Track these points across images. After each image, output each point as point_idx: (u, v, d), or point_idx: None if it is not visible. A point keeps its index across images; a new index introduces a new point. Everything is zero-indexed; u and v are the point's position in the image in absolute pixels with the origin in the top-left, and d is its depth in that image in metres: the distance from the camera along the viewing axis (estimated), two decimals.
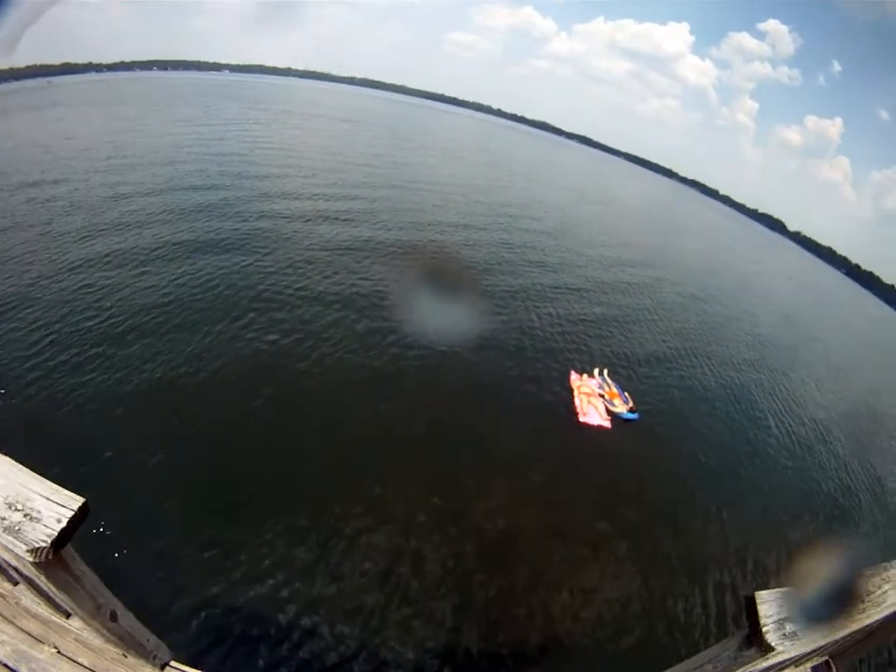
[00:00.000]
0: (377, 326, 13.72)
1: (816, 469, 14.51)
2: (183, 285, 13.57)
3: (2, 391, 9.14)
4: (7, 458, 1.74)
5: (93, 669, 2.80)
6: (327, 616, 6.95)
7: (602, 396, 13.46)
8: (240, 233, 17.74)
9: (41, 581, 1.92)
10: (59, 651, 2.77)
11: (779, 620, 1.87)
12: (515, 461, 10.48)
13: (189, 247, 15.75)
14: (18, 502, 1.64)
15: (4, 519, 1.61)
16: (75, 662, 2.70)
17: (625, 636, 7.78)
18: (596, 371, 14.66)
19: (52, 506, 1.66)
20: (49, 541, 1.59)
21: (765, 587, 1.93)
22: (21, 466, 1.72)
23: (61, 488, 1.72)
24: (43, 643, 2.77)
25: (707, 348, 20.17)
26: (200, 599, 6.75)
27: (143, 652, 2.84)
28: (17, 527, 1.59)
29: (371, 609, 7.19)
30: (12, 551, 1.68)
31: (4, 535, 1.59)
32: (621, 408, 13.17)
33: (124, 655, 2.85)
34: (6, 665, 2.67)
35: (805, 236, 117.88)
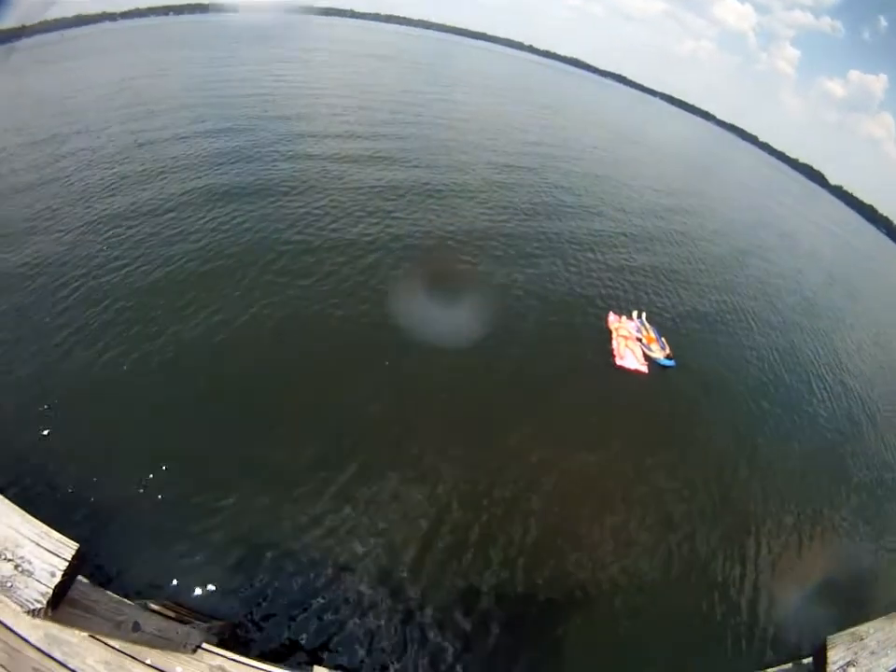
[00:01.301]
0: (411, 269, 13.23)
1: (854, 438, 13.76)
2: (213, 230, 13.16)
3: (34, 348, 9.02)
4: None
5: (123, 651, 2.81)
6: (363, 567, 6.86)
7: (640, 340, 13.06)
8: (268, 176, 17.10)
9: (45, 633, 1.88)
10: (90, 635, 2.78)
11: (844, 665, 1.93)
12: (548, 403, 10.27)
13: (216, 192, 15.19)
14: (7, 549, 1.49)
15: None
16: (106, 644, 2.66)
17: (652, 595, 7.58)
18: (635, 314, 14.21)
19: (43, 554, 1.51)
20: (45, 601, 1.44)
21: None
22: (8, 502, 1.58)
23: (51, 530, 1.57)
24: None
25: (748, 303, 19.34)
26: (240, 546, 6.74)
27: (171, 645, 2.85)
28: (8, 583, 1.44)
29: (404, 556, 7.07)
30: (9, 608, 1.53)
31: None
32: (658, 353, 12.78)
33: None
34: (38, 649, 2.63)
35: (846, 191, 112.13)
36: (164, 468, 7.31)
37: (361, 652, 6.18)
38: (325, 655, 6.09)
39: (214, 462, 7.58)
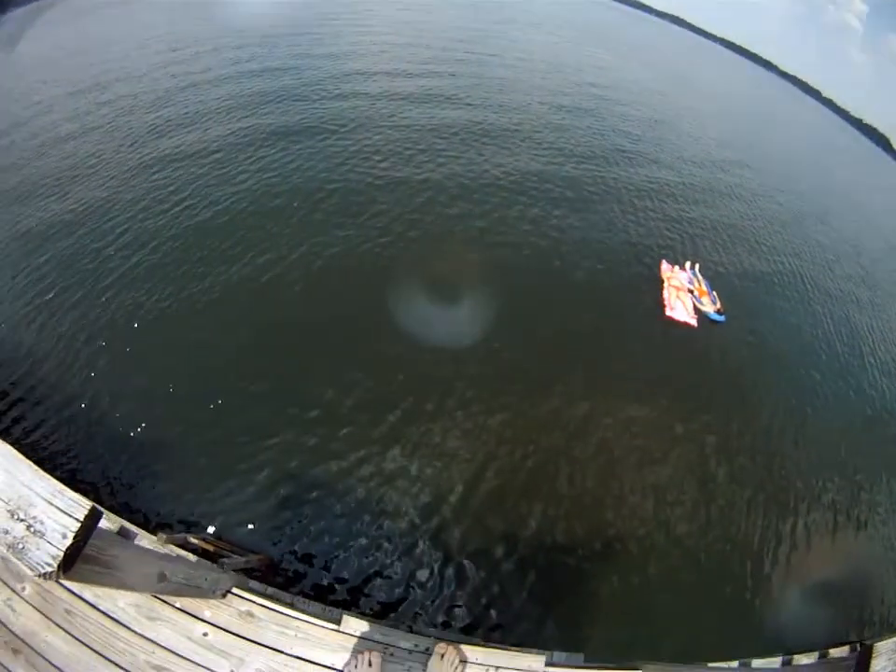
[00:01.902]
0: (466, 209, 12.84)
1: None
2: (260, 170, 12.92)
3: (81, 293, 9.10)
4: (9, 448, 1.48)
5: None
6: (405, 510, 6.89)
7: (691, 291, 12.64)
8: (316, 114, 16.50)
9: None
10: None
11: None
12: (596, 352, 10.13)
13: (263, 132, 14.80)
14: (20, 509, 1.42)
15: (7, 532, 1.39)
16: None
17: (687, 558, 7.50)
18: (688, 265, 13.71)
19: (56, 513, 1.43)
20: (56, 564, 1.35)
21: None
22: (21, 457, 1.48)
23: (65, 489, 1.46)
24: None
25: (805, 267, 18.46)
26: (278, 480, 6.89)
27: (200, 592, 2.81)
28: (20, 545, 1.36)
29: (446, 501, 7.11)
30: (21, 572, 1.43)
31: (9, 554, 1.38)
32: (709, 307, 12.38)
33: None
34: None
35: None
36: (211, 406, 7.42)
37: (396, 596, 6.20)
38: (360, 598, 6.12)
39: (260, 401, 7.64)
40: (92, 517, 1.50)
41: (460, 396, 8.42)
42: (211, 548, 4.79)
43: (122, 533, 3.42)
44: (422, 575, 6.41)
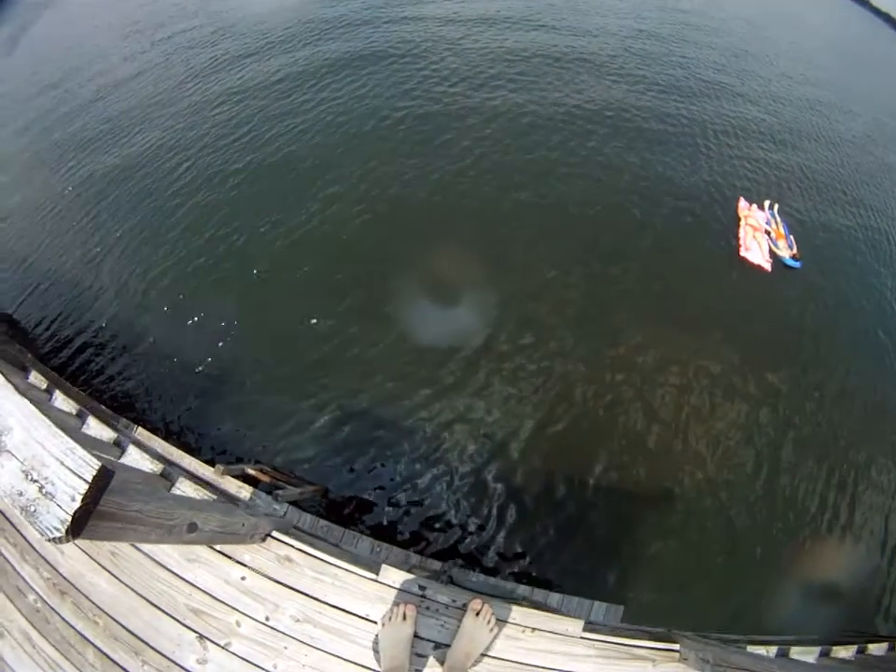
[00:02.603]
0: (538, 140, 12.23)
1: None
2: (325, 100, 12.61)
3: (148, 232, 9.41)
4: (27, 403, 1.43)
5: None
6: (465, 452, 6.95)
7: (768, 233, 12.04)
8: (382, 39, 15.88)
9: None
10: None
11: None
12: (668, 292, 9.79)
13: (327, 60, 14.28)
14: (34, 469, 1.37)
15: (21, 494, 1.34)
16: None
17: (744, 525, 7.32)
18: (767, 204, 12.96)
19: (66, 474, 1.37)
20: (64, 529, 1.31)
21: None
22: (38, 413, 1.43)
23: (77, 447, 1.40)
24: None
25: (886, 210, 16.86)
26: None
27: (236, 538, 2.75)
28: (32, 507, 1.33)
29: (509, 444, 7.13)
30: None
31: (22, 517, 1.34)
32: (784, 251, 11.74)
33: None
34: None
35: None
36: (276, 342, 7.59)
37: (446, 539, 6.24)
38: (410, 536, 6.18)
39: (326, 338, 7.71)
40: (102, 477, 1.41)
41: (528, 337, 8.29)
42: (268, 478, 4.91)
43: (168, 471, 3.37)
44: (475, 519, 6.45)
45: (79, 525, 1.39)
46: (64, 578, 2.87)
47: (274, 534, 3.02)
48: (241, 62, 14.48)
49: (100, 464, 1.42)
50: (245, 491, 4.45)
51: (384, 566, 2.97)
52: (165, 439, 5.35)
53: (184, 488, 3.28)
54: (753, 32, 31.08)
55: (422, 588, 2.95)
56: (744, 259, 11.39)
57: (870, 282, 13.44)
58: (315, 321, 7.91)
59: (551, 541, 6.48)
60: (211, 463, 4.81)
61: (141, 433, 5.26)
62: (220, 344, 7.63)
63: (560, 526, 6.63)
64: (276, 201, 9.83)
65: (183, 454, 5.02)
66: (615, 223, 10.78)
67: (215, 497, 3.39)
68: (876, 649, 3.69)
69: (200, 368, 7.39)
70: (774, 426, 8.56)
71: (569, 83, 15.13)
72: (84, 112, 12.85)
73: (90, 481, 1.38)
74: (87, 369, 7.57)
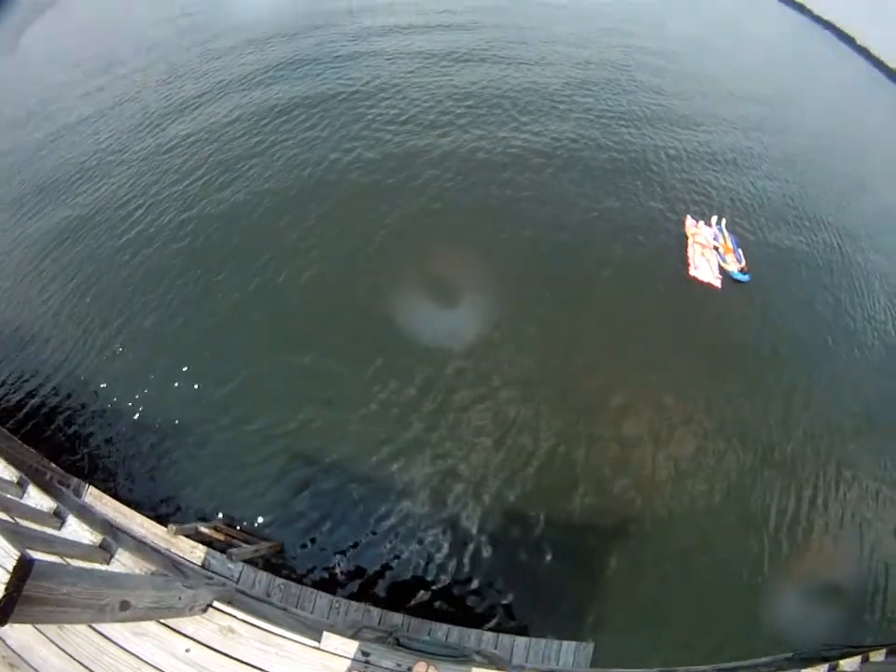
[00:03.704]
0: (490, 177, 12.41)
1: None
2: (276, 144, 12.74)
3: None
4: None
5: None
6: (419, 497, 6.96)
7: (716, 248, 12.34)
8: (333, 78, 15.97)
9: None
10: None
11: None
12: (618, 317, 9.99)
13: (274, 104, 14.32)
14: None
15: None
16: None
17: (705, 537, 7.52)
18: (714, 220, 13.35)
19: None
20: None
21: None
22: None
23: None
24: None
25: (833, 219, 18.04)
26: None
27: (175, 612, 2.69)
28: None
29: (462, 485, 7.15)
30: None
31: None
32: (733, 266, 12.07)
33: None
34: None
35: None
36: (224, 392, 7.53)
37: (402, 587, 6.18)
38: (365, 588, 6.09)
39: (274, 384, 7.70)
40: (22, 567, 1.42)
41: (479, 367, 8.38)
42: (222, 536, 4.80)
43: (108, 542, 3.23)
44: (437, 569, 6.40)
45: (5, 612, 1.40)
46: (13, 651, 2.81)
47: (216, 604, 2.96)
48: (195, 101, 14.49)
49: (19, 554, 1.44)
50: (198, 551, 4.36)
51: (325, 633, 2.93)
52: (116, 497, 5.25)
53: (124, 560, 3.18)
54: (696, 51, 32.33)
55: (365, 654, 2.92)
56: (693, 279, 11.69)
57: (817, 291, 13.97)
58: (270, 376, 7.86)
59: (516, 587, 6.45)
60: (164, 522, 4.73)
61: (91, 492, 5.13)
62: (174, 400, 7.53)
63: (526, 571, 6.61)
64: (230, 251, 9.81)
65: (134, 513, 4.93)
66: (568, 256, 10.96)
67: (152, 569, 3.31)
68: (848, 664, 3.70)
69: (154, 425, 7.29)
70: (736, 450, 8.76)
71: (519, 116, 15.39)
72: (36, 159, 12.64)
73: (10, 571, 1.40)
74: (39, 429, 7.36)
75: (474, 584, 6.32)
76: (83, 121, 13.94)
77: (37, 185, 11.71)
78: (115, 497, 5.35)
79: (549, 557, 6.71)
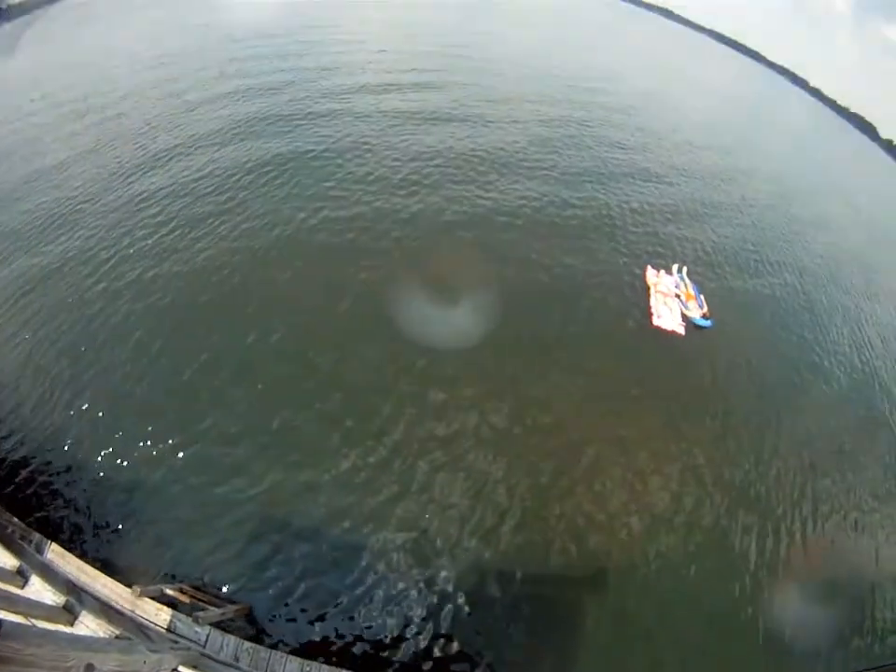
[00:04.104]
0: (457, 239, 12.61)
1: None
2: (243, 203, 12.80)
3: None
4: None
5: None
6: (390, 559, 6.87)
7: (678, 296, 12.74)
8: (306, 117, 16.87)
9: None
10: None
11: None
12: (584, 370, 10.10)
13: (249, 159, 14.55)
14: None
15: None
16: None
17: (681, 584, 7.56)
18: (675, 268, 13.79)
19: None
20: None
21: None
22: None
23: None
24: None
25: (790, 259, 18.93)
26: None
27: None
28: None
29: (435, 545, 7.09)
30: None
31: None
32: (695, 312, 12.46)
33: None
34: None
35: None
36: (192, 450, 7.44)
37: (375, 651, 6.08)
38: (336, 653, 5.97)
39: (241, 443, 7.61)
40: None
41: (447, 427, 8.39)
42: (188, 599, 4.69)
43: (71, 603, 3.18)
44: (410, 629, 6.29)
45: None
46: None
47: (182, 669, 2.94)
48: (168, 153, 14.67)
49: None
50: (163, 613, 4.31)
51: None
52: (80, 555, 5.17)
53: (87, 622, 3.13)
54: (656, 104, 33.71)
55: None
56: (657, 327, 12.01)
57: (781, 330, 14.56)
58: (239, 437, 7.78)
59: (493, 648, 6.40)
60: (128, 583, 4.64)
61: (54, 549, 5.03)
62: (140, 460, 7.44)
63: (504, 632, 6.56)
64: (199, 309, 9.77)
65: (98, 573, 4.84)
66: (534, 314, 11.15)
67: (117, 632, 3.25)
68: None
69: (119, 484, 7.18)
70: (711, 495, 8.90)
71: (485, 175, 15.82)
72: (9, 201, 12.56)
73: None
74: (1, 483, 7.17)
75: (451, 648, 6.23)
76: (59, 166, 13.99)
77: (9, 229, 11.62)
78: (79, 555, 5.23)
79: (527, 617, 6.68)
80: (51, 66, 21.93)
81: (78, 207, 12.32)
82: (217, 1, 38.24)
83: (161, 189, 12.98)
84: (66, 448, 7.44)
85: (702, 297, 13.17)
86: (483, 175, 15.69)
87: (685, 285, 13.36)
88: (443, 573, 6.74)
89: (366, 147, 15.90)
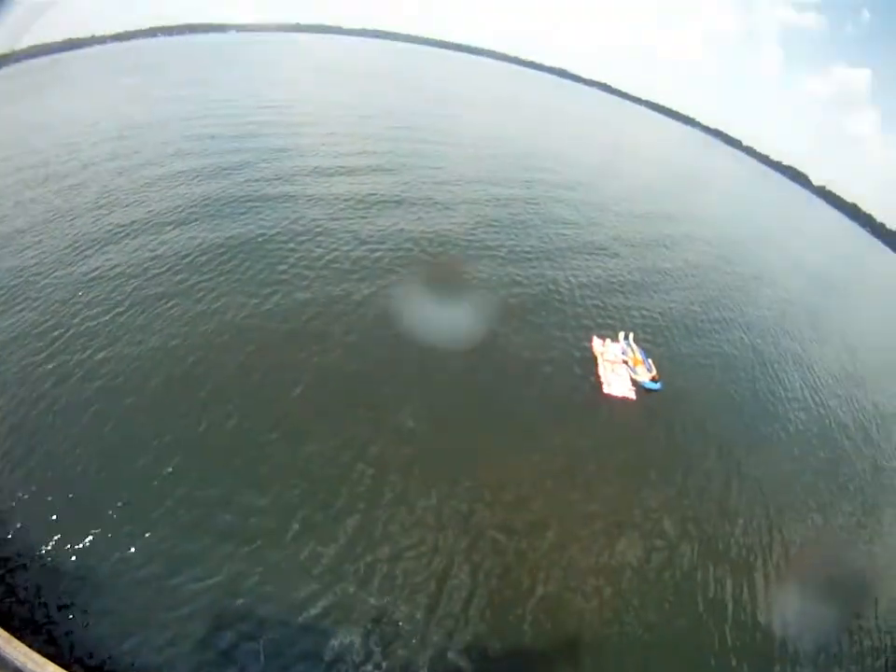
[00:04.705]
0: (409, 326, 12.53)
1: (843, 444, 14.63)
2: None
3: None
4: None
5: None
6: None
7: (626, 362, 13.25)
8: (260, 199, 17.37)
9: None
10: None
11: None
12: (538, 442, 10.28)
13: (206, 239, 14.81)
14: None
15: None
16: None
17: (659, 644, 7.65)
18: (621, 336, 14.32)
19: None
20: None
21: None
22: None
23: None
24: None
25: (732, 312, 19.98)
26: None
27: None
28: None
29: (395, 644, 6.93)
30: None
31: None
32: (644, 376, 12.94)
33: None
34: None
35: (828, 191, 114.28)
36: (143, 543, 7.26)
37: None
38: None
39: (192, 532, 7.49)
40: None
41: (404, 508, 8.47)
42: None
43: None
44: None
45: None
46: None
47: None
48: (122, 230, 14.85)
49: None
50: None
51: None
52: (29, 644, 4.84)
53: None
54: (600, 177, 35.65)
55: None
56: (609, 395, 12.43)
57: (733, 384, 15.16)
58: (191, 530, 7.63)
59: None
60: None
61: (1, 636, 4.80)
62: (90, 549, 7.21)
63: None
64: (149, 394, 9.62)
65: (46, 661, 4.64)
66: (488, 398, 11.29)
67: None
68: None
69: (69, 573, 6.91)
70: (681, 553, 9.10)
71: (434, 259, 16.35)
72: None
73: None
74: None
75: None
76: (15, 233, 14.02)
77: None
78: (28, 643, 4.94)
79: None
80: (17, 127, 22.69)
81: (32, 279, 12.28)
82: (179, 77, 39.87)
83: (116, 265, 13.04)
84: (14, 533, 7.20)
85: (650, 361, 13.66)
86: (434, 257, 16.32)
87: (632, 351, 13.88)
88: (414, 661, 6.67)
89: (318, 230, 16.38)
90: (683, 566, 8.86)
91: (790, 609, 8.61)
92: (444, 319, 13.18)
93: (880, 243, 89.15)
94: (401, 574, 7.55)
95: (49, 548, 7.07)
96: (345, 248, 15.69)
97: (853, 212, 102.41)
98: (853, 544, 10.90)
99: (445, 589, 7.51)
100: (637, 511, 9.59)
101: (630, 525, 9.26)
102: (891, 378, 22.97)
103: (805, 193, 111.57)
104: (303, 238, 15.75)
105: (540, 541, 8.51)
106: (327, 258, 14.95)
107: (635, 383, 12.92)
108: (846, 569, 9.77)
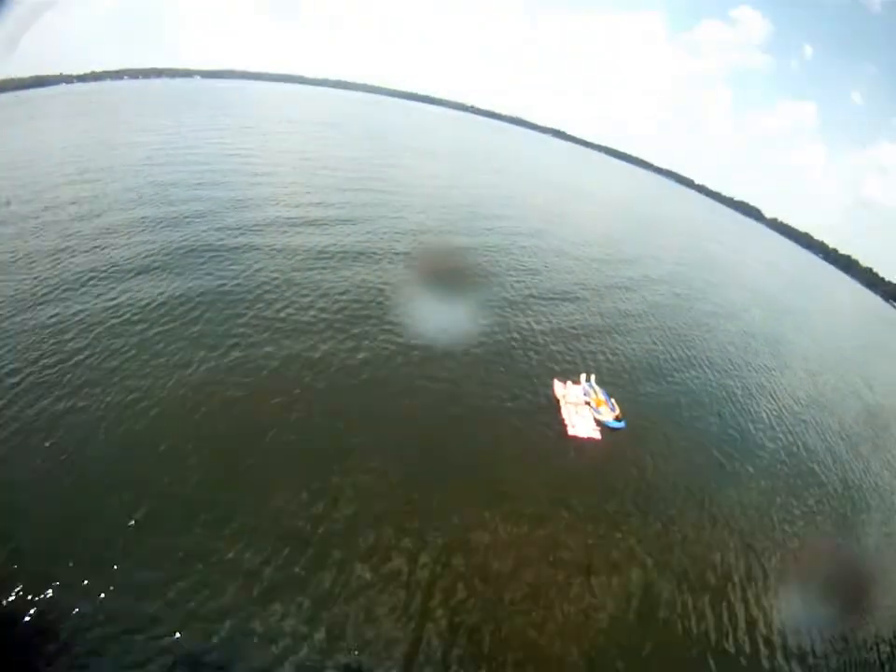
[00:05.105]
0: (370, 379, 12.66)
1: (810, 465, 14.98)
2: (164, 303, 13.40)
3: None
4: None
5: None
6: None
7: (588, 403, 13.35)
8: (221, 248, 17.35)
9: None
10: None
11: None
12: (508, 490, 10.23)
13: (167, 264, 15.34)
14: None
15: None
16: None
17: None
18: (583, 378, 14.45)
19: None
20: None
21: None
22: None
23: None
24: None
25: (694, 349, 20.41)
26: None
27: None
28: None
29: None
30: None
31: None
32: (607, 416, 13.06)
33: None
34: None
35: (781, 222, 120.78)
36: (95, 604, 6.88)
37: None
38: None
39: (153, 588, 7.16)
40: None
41: (371, 566, 8.23)
42: None
43: None
44: None
45: None
46: None
47: None
48: (82, 277, 14.56)
49: None
50: None
51: None
52: None
53: None
54: (562, 224, 36.56)
55: None
56: (573, 437, 12.45)
57: (699, 419, 15.31)
58: (152, 591, 7.21)
59: None
60: None
61: None
62: (51, 606, 6.73)
63: None
64: (105, 453, 9.19)
65: None
66: (453, 447, 11.12)
67: None
68: None
69: (30, 631, 6.48)
70: (656, 589, 9.10)
71: (393, 311, 16.22)
72: None
73: None
74: None
75: None
76: None
77: None
78: None
79: None
80: None
81: None
82: (143, 122, 40.06)
83: (75, 314, 12.74)
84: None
85: (612, 400, 13.80)
86: (391, 309, 16.30)
87: (594, 391, 14.01)
88: None
89: (277, 282, 16.30)
90: (661, 602, 8.85)
91: (773, 637, 8.73)
92: (405, 374, 13.16)
93: (833, 268, 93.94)
94: (373, 633, 7.31)
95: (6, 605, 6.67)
96: (307, 300, 15.63)
97: (807, 241, 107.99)
98: (832, 564, 10.99)
99: (421, 646, 7.33)
100: (615, 551, 9.57)
101: (605, 566, 9.20)
102: (853, 396, 23.69)
103: (758, 226, 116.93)
104: (262, 290, 15.63)
105: (515, 591, 8.39)
106: (287, 310, 14.85)
107: (599, 423, 12.97)
108: (827, 591, 9.81)
